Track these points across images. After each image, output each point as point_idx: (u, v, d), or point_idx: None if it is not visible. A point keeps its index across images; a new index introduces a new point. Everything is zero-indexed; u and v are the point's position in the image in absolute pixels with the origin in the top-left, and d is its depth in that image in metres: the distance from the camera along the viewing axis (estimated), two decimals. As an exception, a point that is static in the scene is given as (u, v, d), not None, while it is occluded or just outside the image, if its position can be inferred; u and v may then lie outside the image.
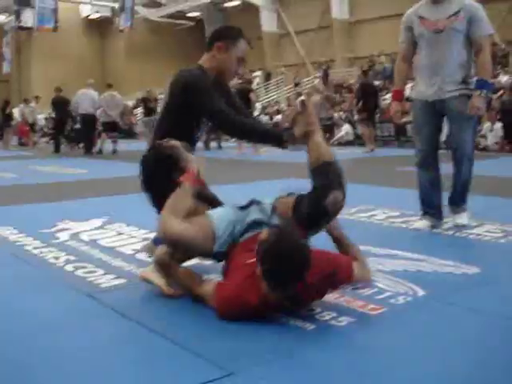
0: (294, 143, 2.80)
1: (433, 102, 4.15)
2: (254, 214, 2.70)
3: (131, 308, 2.62)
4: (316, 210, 2.53)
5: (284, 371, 1.97)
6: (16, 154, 15.01)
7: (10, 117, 17.58)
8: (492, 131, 13.50)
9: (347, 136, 16.73)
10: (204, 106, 2.90)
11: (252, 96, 13.52)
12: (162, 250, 2.76)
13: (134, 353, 2.16)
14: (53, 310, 2.63)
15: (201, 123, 3.07)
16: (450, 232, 4.16)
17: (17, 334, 2.35)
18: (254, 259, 2.35)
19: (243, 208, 2.75)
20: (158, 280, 2.78)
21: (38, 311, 2.62)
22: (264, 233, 2.41)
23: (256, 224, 2.67)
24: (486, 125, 13.54)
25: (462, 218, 4.28)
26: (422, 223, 4.29)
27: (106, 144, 14.49)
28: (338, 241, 2.81)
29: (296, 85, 26.31)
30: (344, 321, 2.38)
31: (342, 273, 2.51)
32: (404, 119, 16.41)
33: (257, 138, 3.04)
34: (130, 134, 24.48)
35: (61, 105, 15.52)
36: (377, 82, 20.81)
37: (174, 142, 2.78)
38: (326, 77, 24.37)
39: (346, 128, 16.75)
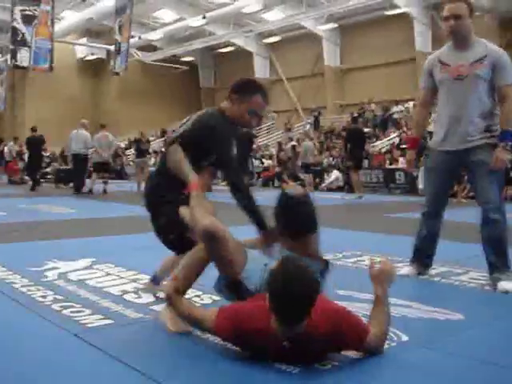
0: (271, 241, 2.95)
1: (454, 152, 3.93)
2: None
3: (116, 347, 2.63)
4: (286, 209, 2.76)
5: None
6: (5, 193, 15.00)
7: (1, 155, 17.63)
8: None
9: (337, 182, 16.88)
10: (223, 156, 3.01)
11: (255, 142, 13.88)
12: (168, 283, 2.88)
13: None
14: (39, 348, 2.64)
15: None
16: (436, 278, 4.21)
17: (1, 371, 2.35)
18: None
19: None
20: (164, 317, 2.92)
21: (24, 349, 2.62)
22: (274, 264, 2.46)
23: None
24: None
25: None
26: (410, 270, 4.25)
27: (95, 184, 14.54)
28: (376, 300, 2.69)
29: (287, 130, 26.63)
30: (328, 364, 2.41)
31: (352, 334, 2.43)
32: (394, 166, 16.72)
33: (250, 215, 3.05)
34: (120, 175, 24.61)
35: (36, 144, 16.31)
36: (366, 129, 21.16)
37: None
38: (316, 123, 24.72)
39: (335, 173, 16.92)
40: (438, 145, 4.04)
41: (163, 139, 14.58)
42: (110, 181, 14.98)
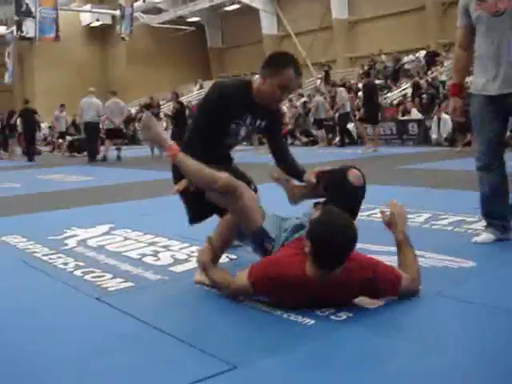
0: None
1: (497, 97, 3.58)
2: (293, 221, 2.94)
3: (138, 309, 2.72)
4: (343, 188, 2.90)
5: (285, 366, 2.06)
6: (21, 164, 15.14)
7: (14, 127, 17.75)
8: None
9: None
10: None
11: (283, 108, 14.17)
12: (201, 251, 2.99)
13: (141, 351, 2.25)
14: (63, 313, 2.74)
15: (230, 130, 3.21)
16: (449, 228, 4.25)
17: (30, 333, 2.45)
18: (301, 242, 2.53)
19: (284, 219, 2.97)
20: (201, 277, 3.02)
21: (49, 314, 2.72)
22: (314, 213, 2.59)
23: (299, 227, 2.87)
24: None
25: None
26: (486, 236, 3.75)
27: (109, 151, 14.64)
28: (399, 246, 2.81)
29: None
30: (343, 315, 2.48)
31: (385, 281, 2.55)
32: (406, 117, 16.61)
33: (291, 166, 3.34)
34: (133, 140, 24.69)
35: (29, 116, 16.67)
36: (378, 81, 20.92)
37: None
38: (327, 77, 24.46)
39: (349, 127, 16.81)
40: (481, 89, 3.67)
41: (177, 102, 14.48)
42: (123, 147, 15.03)
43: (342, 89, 16.88)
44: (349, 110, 16.07)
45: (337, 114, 16.32)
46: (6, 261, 3.88)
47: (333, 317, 2.47)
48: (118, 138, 14.84)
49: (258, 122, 3.26)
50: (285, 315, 2.50)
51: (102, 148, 15.07)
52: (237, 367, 2.02)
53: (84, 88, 16.12)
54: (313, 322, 2.42)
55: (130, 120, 28.05)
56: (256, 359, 2.10)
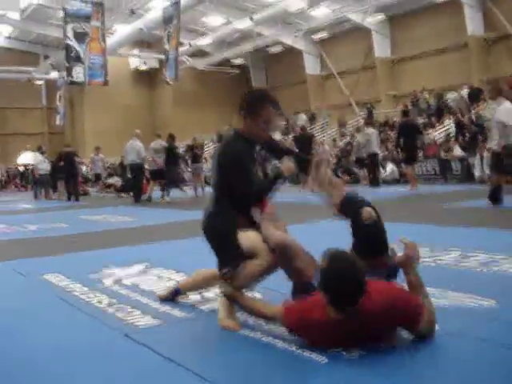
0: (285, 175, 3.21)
1: None
2: None
3: (162, 345, 2.84)
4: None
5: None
6: (66, 205, 15.60)
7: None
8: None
9: (392, 174, 16.80)
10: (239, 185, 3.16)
11: (314, 141, 14.96)
12: (224, 285, 3.11)
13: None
14: (93, 348, 2.89)
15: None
16: (479, 268, 4.26)
17: (57, 367, 2.60)
18: None
19: None
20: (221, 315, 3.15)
21: (78, 349, 2.88)
22: (321, 261, 2.67)
23: None
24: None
25: None
26: None
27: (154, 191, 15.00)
28: (411, 286, 2.85)
29: (342, 125, 26.57)
30: (356, 353, 2.55)
31: (407, 307, 2.62)
32: (449, 155, 16.45)
33: (268, 191, 3.27)
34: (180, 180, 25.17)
35: (69, 158, 17.74)
36: (421, 120, 20.88)
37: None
38: (370, 116, 24.57)
39: (390, 166, 16.83)
40: None
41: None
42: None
43: (373, 130, 16.54)
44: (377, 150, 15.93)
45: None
46: (44, 297, 4.08)
47: (345, 354, 2.55)
48: (162, 179, 15.17)
49: (262, 153, 3.35)
50: (298, 351, 2.59)
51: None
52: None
53: (131, 129, 16.63)
54: (326, 359, 2.50)
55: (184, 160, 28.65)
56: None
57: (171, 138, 14.91)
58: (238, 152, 3.16)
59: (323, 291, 2.57)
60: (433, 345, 2.66)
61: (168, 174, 14.58)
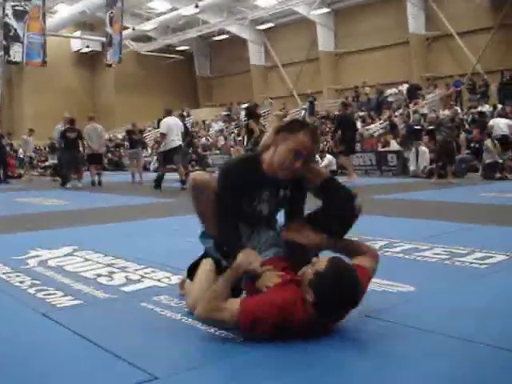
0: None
1: None
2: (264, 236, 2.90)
3: (80, 325, 2.81)
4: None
5: (206, 379, 2.17)
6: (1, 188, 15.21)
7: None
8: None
9: (330, 166, 17.00)
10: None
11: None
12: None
13: (75, 365, 2.35)
14: (10, 328, 2.84)
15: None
16: (400, 255, 4.38)
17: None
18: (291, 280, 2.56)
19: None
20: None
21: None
22: (320, 264, 2.50)
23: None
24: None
25: None
26: None
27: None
28: (345, 249, 2.84)
29: (283, 116, 26.72)
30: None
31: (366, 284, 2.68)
32: (386, 148, 16.86)
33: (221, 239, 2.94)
34: (118, 165, 24.92)
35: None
36: (361, 113, 21.27)
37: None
38: (312, 108, 24.84)
39: (328, 158, 17.04)
40: None
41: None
42: (110, 172, 15.11)
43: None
44: None
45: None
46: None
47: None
48: (98, 164, 14.91)
49: (282, 193, 2.92)
50: (217, 332, 2.61)
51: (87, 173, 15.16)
52: (158, 378, 2.13)
53: (71, 112, 16.26)
54: (242, 338, 2.53)
55: (116, 145, 28.32)
56: (180, 371, 2.20)
57: (71, 121, 14.49)
58: (231, 172, 2.88)
59: (316, 294, 2.43)
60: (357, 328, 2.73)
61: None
